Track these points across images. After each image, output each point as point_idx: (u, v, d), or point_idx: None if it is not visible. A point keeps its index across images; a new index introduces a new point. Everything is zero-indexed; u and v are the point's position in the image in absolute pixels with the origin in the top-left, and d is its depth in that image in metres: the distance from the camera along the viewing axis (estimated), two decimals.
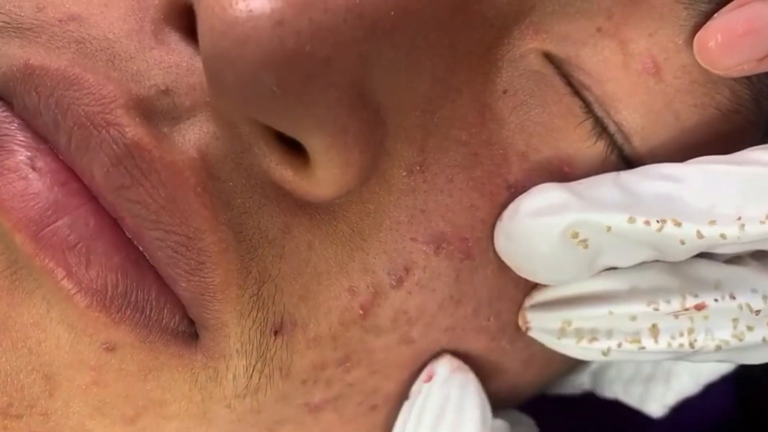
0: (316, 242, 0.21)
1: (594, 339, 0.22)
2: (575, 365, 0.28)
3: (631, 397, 0.28)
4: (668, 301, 0.21)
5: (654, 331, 0.21)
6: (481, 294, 0.22)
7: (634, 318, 0.22)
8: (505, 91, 0.22)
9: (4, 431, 0.20)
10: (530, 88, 0.22)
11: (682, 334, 0.21)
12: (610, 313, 0.22)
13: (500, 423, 0.24)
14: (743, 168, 0.20)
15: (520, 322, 0.23)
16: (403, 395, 0.23)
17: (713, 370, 0.26)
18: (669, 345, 0.21)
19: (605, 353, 0.22)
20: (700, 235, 0.20)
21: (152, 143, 0.19)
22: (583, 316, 0.22)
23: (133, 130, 0.19)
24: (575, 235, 0.21)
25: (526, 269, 0.22)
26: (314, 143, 0.18)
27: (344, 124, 0.18)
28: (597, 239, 0.21)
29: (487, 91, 0.21)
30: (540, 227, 0.21)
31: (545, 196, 0.21)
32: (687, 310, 0.21)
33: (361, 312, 0.21)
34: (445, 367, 0.23)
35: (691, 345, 0.21)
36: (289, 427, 0.23)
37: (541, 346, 0.24)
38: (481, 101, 0.21)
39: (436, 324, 0.22)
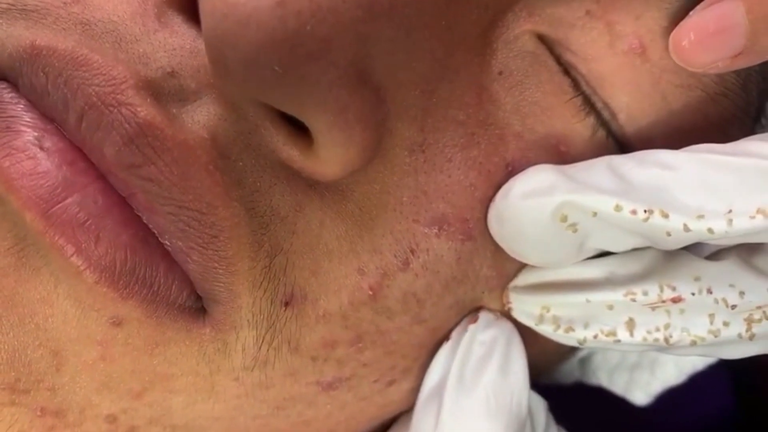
0: (327, 220, 0.21)
1: (570, 329, 0.22)
2: (572, 350, 0.28)
3: (616, 385, 0.29)
4: (646, 293, 0.22)
5: (630, 324, 0.22)
6: (480, 272, 0.23)
7: (611, 307, 0.22)
8: (500, 73, 0.22)
9: (12, 406, 0.20)
10: (525, 69, 0.22)
11: (658, 329, 0.22)
12: (588, 301, 0.22)
13: None
14: (739, 160, 0.20)
15: (504, 301, 0.24)
16: (423, 366, 0.24)
17: (700, 359, 0.27)
18: (644, 339, 0.22)
19: (581, 342, 0.22)
20: (686, 229, 0.20)
21: (164, 122, 0.19)
22: (561, 303, 0.23)
23: (145, 110, 0.19)
24: (564, 219, 0.21)
25: (517, 251, 0.23)
26: (316, 122, 0.19)
27: (345, 103, 0.19)
28: (585, 224, 0.21)
29: (484, 73, 0.22)
30: (529, 209, 0.21)
31: (537, 177, 0.22)
32: (664, 302, 0.22)
33: (370, 293, 0.22)
34: (488, 314, 0.24)
35: (666, 340, 0.22)
36: (300, 407, 0.23)
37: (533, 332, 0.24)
38: (477, 82, 0.22)
39: (442, 303, 0.23)
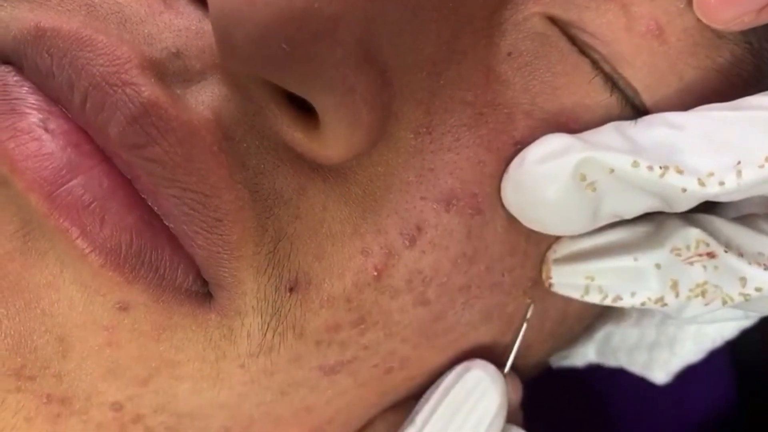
0: (330, 203, 0.21)
1: (618, 298, 0.22)
2: (587, 326, 0.28)
3: (635, 365, 0.28)
4: (688, 247, 0.22)
5: (675, 287, 0.22)
6: (493, 250, 0.23)
7: (658, 266, 0.22)
8: (509, 54, 0.22)
9: (18, 393, 0.20)
10: (534, 50, 0.22)
11: (698, 286, 0.22)
12: (636, 260, 0.22)
13: None
14: (742, 113, 0.21)
15: (544, 276, 0.23)
16: (421, 361, 0.23)
17: (718, 334, 0.27)
18: (688, 298, 0.22)
19: (625, 321, 0.22)
20: (701, 183, 0.20)
21: (168, 102, 0.19)
22: (606, 269, 0.23)
23: (149, 89, 0.19)
24: (583, 178, 0.21)
25: (533, 219, 0.22)
26: (322, 102, 0.19)
27: (351, 83, 0.18)
28: (603, 182, 0.21)
29: (492, 54, 0.22)
30: (547, 172, 0.21)
31: (551, 143, 0.21)
32: (701, 256, 0.22)
33: (375, 273, 0.22)
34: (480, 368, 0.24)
35: (704, 294, 0.22)
36: (303, 392, 0.23)
37: (557, 298, 0.24)
38: (485, 63, 0.22)
39: (450, 283, 0.22)
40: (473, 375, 0.23)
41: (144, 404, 0.21)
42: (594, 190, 0.21)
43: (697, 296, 0.22)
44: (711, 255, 0.22)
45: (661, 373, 0.28)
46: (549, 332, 0.26)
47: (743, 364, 0.35)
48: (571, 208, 0.21)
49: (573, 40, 0.22)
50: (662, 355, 0.28)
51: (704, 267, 0.22)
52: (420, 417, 0.23)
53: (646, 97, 0.23)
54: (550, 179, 0.21)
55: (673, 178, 0.20)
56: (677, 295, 0.22)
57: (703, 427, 0.33)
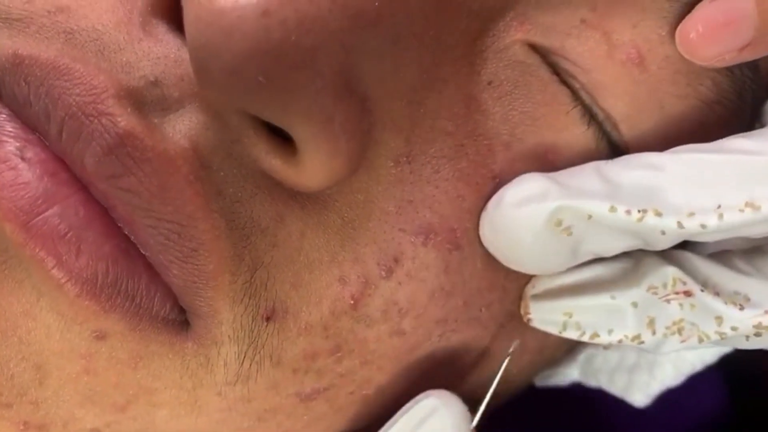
0: (308, 231, 0.21)
1: (595, 335, 0.22)
2: (567, 352, 0.28)
3: (616, 386, 0.28)
4: (665, 285, 0.22)
5: (651, 324, 0.22)
6: (471, 284, 0.23)
7: (635, 305, 0.22)
8: (490, 83, 0.22)
9: None
10: (515, 79, 0.22)
11: (674, 323, 0.22)
12: (613, 298, 0.22)
13: None
14: (722, 156, 0.21)
15: (522, 312, 0.23)
16: (396, 388, 0.23)
17: (698, 359, 0.27)
18: (664, 335, 0.22)
19: (606, 347, 0.22)
20: (680, 226, 0.20)
21: (144, 132, 0.19)
22: (584, 306, 0.23)
23: (124, 119, 0.19)
24: (558, 223, 0.21)
25: (511, 259, 0.22)
26: (300, 132, 0.18)
27: (330, 113, 0.18)
28: (580, 227, 0.21)
29: (473, 83, 0.22)
30: (524, 216, 0.21)
31: (528, 186, 0.21)
32: (677, 294, 0.22)
33: (351, 302, 0.22)
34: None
35: (680, 332, 0.22)
36: (279, 417, 0.23)
37: (534, 333, 0.24)
38: (466, 92, 0.22)
39: (427, 315, 0.22)
40: (428, 402, 0.23)
41: (122, 430, 0.21)
42: (570, 234, 0.21)
43: (673, 333, 0.22)
44: (688, 293, 0.22)
45: (640, 396, 0.28)
46: (528, 362, 0.26)
47: (740, 369, 0.35)
48: (547, 250, 0.22)
49: (554, 68, 0.22)
50: (642, 378, 0.28)
51: (681, 305, 0.22)
52: None
53: (626, 128, 0.23)
54: (526, 224, 0.21)
55: (652, 221, 0.20)
56: (654, 333, 0.22)
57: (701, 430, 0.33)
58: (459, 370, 0.24)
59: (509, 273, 0.23)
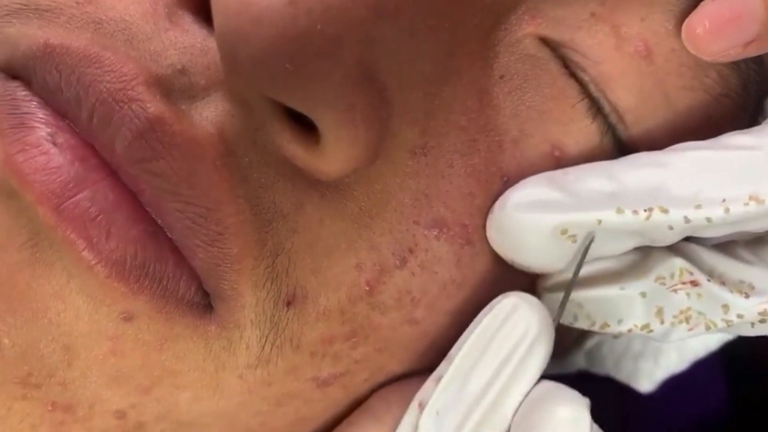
0: (326, 219, 0.21)
1: (606, 325, 0.23)
2: (573, 342, 0.29)
3: (622, 374, 0.29)
4: (672, 276, 0.23)
5: (659, 314, 0.23)
6: (481, 279, 0.23)
7: (644, 294, 0.23)
8: (501, 76, 0.23)
9: (24, 400, 0.21)
10: (525, 73, 0.23)
11: (682, 312, 0.23)
12: (622, 288, 0.23)
13: None
14: (724, 153, 0.21)
15: None
16: (407, 375, 0.24)
17: (702, 346, 0.28)
18: (672, 324, 0.23)
19: (615, 336, 0.23)
20: (687, 220, 0.21)
21: (173, 118, 0.19)
22: (594, 298, 0.23)
23: (154, 106, 0.19)
24: (564, 232, 0.22)
25: (517, 260, 0.23)
26: (324, 119, 0.19)
27: (352, 101, 0.19)
28: (586, 233, 0.22)
29: (485, 76, 0.22)
30: (528, 222, 0.22)
31: (533, 191, 0.22)
32: (684, 284, 0.23)
33: (367, 288, 0.22)
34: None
35: (690, 329, 0.23)
36: (297, 403, 0.23)
37: None
38: (479, 86, 0.22)
39: (438, 306, 0.23)
40: (508, 301, 0.22)
41: (146, 412, 0.22)
42: (575, 242, 0.22)
43: (681, 322, 0.23)
44: (694, 283, 0.22)
45: (646, 382, 0.28)
46: None
47: (738, 361, 0.36)
48: (553, 255, 0.22)
49: (563, 61, 0.23)
50: (647, 366, 0.28)
51: (688, 294, 0.23)
52: (455, 350, 0.23)
53: (632, 119, 0.23)
54: (531, 230, 0.22)
55: (659, 218, 0.21)
56: (662, 322, 0.23)
57: (702, 425, 0.34)
58: None
59: (518, 269, 0.24)
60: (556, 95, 0.23)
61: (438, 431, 0.22)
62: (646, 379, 0.28)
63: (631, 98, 0.23)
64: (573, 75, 0.23)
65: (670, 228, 0.21)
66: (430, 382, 0.23)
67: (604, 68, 0.23)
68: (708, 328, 0.22)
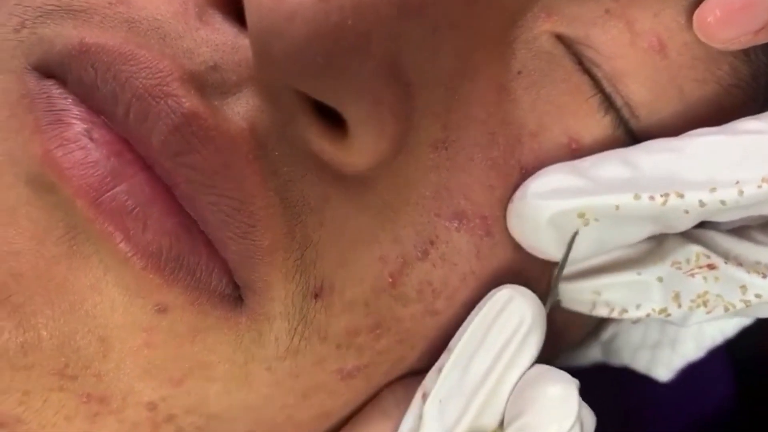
0: (351, 212, 0.22)
1: (624, 311, 0.24)
2: (589, 332, 0.29)
3: (639, 363, 0.29)
4: (688, 261, 0.23)
5: (677, 298, 0.23)
6: (500, 270, 0.24)
7: (660, 279, 0.23)
8: (519, 72, 0.23)
9: (60, 392, 0.21)
10: (542, 69, 0.23)
11: (699, 296, 0.23)
12: (639, 274, 0.23)
13: None
14: (736, 137, 0.22)
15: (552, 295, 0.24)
16: (426, 367, 0.24)
17: (718, 332, 0.28)
18: (690, 308, 0.23)
19: (634, 321, 0.23)
20: (702, 204, 0.22)
21: (207, 113, 0.20)
22: (611, 284, 0.24)
23: (189, 101, 0.20)
24: (581, 215, 0.22)
25: (537, 247, 0.23)
26: (352, 112, 0.20)
27: (380, 95, 0.20)
28: (604, 219, 0.22)
29: (504, 72, 0.23)
30: (548, 209, 0.22)
31: (553, 178, 0.23)
32: (701, 268, 0.23)
33: (390, 280, 0.23)
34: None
35: (708, 312, 0.23)
36: (322, 396, 0.24)
37: (561, 314, 0.25)
38: (498, 81, 0.23)
39: (458, 297, 0.23)
40: (502, 294, 0.23)
41: (177, 404, 0.22)
42: (594, 227, 0.22)
43: (699, 306, 0.23)
44: (711, 266, 0.23)
45: (664, 371, 0.29)
46: (553, 341, 0.27)
47: (741, 358, 0.36)
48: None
49: (578, 58, 0.24)
50: (665, 354, 0.29)
51: (705, 278, 0.23)
52: (454, 342, 0.23)
53: (645, 113, 0.24)
54: (551, 216, 0.22)
55: (675, 202, 0.22)
56: (680, 306, 0.23)
57: (706, 422, 0.34)
58: None
59: (536, 259, 0.24)
60: (572, 90, 0.24)
61: (441, 418, 0.22)
62: (664, 368, 0.28)
63: (645, 92, 0.24)
64: (587, 71, 0.24)
65: (686, 212, 0.22)
66: (432, 372, 0.23)
67: (617, 64, 0.23)
68: (726, 310, 0.23)
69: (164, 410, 0.22)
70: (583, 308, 0.24)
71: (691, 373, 0.29)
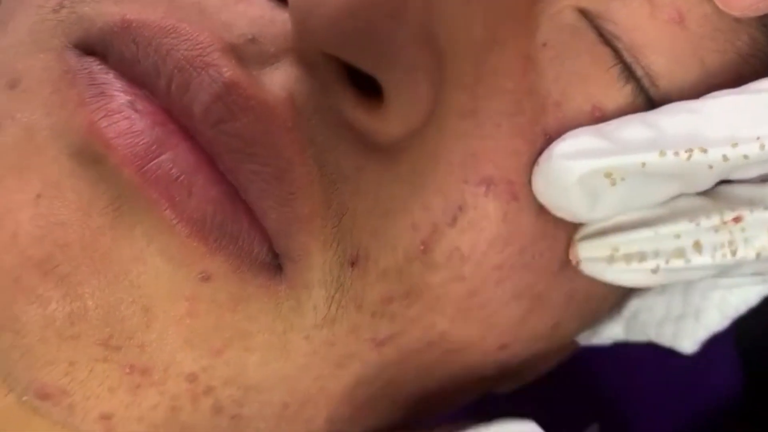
0: (384, 182, 0.22)
1: (642, 259, 0.24)
2: (612, 305, 0.30)
3: (664, 337, 0.30)
4: (708, 217, 0.24)
5: (697, 246, 0.24)
6: (525, 233, 0.24)
7: (678, 236, 0.24)
8: (544, 44, 0.24)
9: (105, 363, 0.21)
10: (565, 41, 0.24)
11: (723, 246, 0.24)
12: (656, 233, 0.24)
13: None
14: (755, 96, 0.23)
15: (571, 257, 0.25)
16: (455, 335, 0.25)
17: (741, 301, 0.28)
18: (712, 257, 0.24)
19: (655, 271, 0.24)
20: (725, 158, 0.22)
21: (247, 82, 0.21)
22: (629, 240, 0.24)
23: (230, 70, 0.20)
24: (608, 175, 0.23)
25: (563, 208, 0.24)
26: (388, 78, 0.20)
27: (415, 61, 0.20)
28: (631, 177, 0.23)
29: (529, 44, 0.24)
30: (574, 168, 0.23)
31: (578, 140, 0.23)
32: (725, 223, 0.24)
33: (422, 247, 0.23)
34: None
35: (733, 253, 0.23)
36: (355, 365, 0.24)
37: (583, 281, 0.26)
38: (524, 53, 0.24)
39: (485, 262, 0.24)
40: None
41: (216, 375, 0.22)
42: (618, 186, 0.23)
43: (724, 256, 0.24)
44: (737, 219, 0.24)
45: (688, 342, 0.29)
46: (576, 312, 0.28)
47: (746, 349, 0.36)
48: (597, 201, 0.23)
49: (599, 31, 0.24)
50: (689, 326, 0.29)
51: (731, 231, 0.24)
52: None
53: (666, 82, 0.24)
54: (576, 176, 0.23)
55: (699, 158, 0.22)
56: (701, 254, 0.24)
57: (715, 407, 0.34)
58: (512, 315, 0.25)
59: (558, 223, 0.25)
60: (594, 61, 0.24)
61: None
62: (689, 339, 0.29)
63: (665, 62, 0.24)
64: (608, 43, 0.24)
65: (710, 167, 0.22)
66: None
67: (636, 36, 0.24)
68: (758, 255, 0.23)
69: (204, 381, 0.22)
70: (601, 265, 0.25)
71: (701, 361, 0.29)
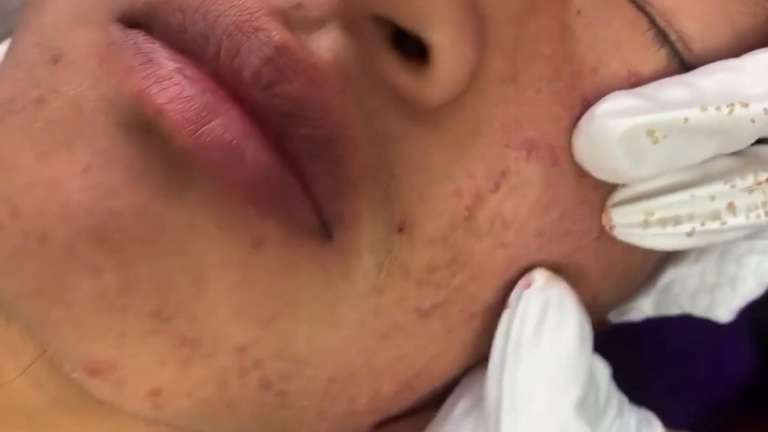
0: (428, 147, 0.22)
1: (677, 222, 0.24)
2: (645, 276, 0.30)
3: (699, 308, 0.30)
4: (743, 177, 0.24)
5: (731, 207, 0.24)
6: (565, 199, 0.24)
7: (713, 197, 0.24)
8: (579, 12, 0.24)
9: (155, 335, 0.21)
10: (599, 8, 0.24)
11: (757, 207, 0.24)
12: (691, 196, 0.24)
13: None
14: None
15: (604, 222, 0.25)
16: (497, 305, 0.25)
17: None
18: (747, 217, 0.24)
19: (690, 234, 0.24)
20: (767, 111, 0.22)
21: (296, 45, 0.21)
22: (664, 204, 0.24)
23: (279, 34, 0.20)
24: (650, 133, 0.23)
25: (606, 168, 0.24)
26: (437, 38, 0.20)
27: (463, 20, 0.20)
28: (673, 135, 0.23)
29: (565, 11, 0.24)
30: (616, 126, 0.23)
31: (617, 102, 0.23)
32: (759, 184, 0.24)
33: (466, 214, 0.23)
34: (542, 275, 0.25)
35: (767, 214, 0.24)
36: (400, 338, 0.24)
37: (620, 250, 0.26)
38: (560, 20, 0.24)
39: (527, 228, 0.24)
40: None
41: (264, 348, 0.22)
42: (662, 143, 0.23)
43: (758, 217, 0.24)
44: None
45: (724, 311, 0.29)
46: (614, 282, 0.28)
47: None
48: (639, 159, 0.23)
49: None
50: (725, 295, 0.29)
51: (765, 192, 0.24)
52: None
53: (699, 46, 0.25)
54: (621, 133, 0.23)
55: (741, 112, 0.22)
56: (735, 215, 0.24)
57: (740, 387, 0.34)
58: None
59: (597, 189, 0.25)
60: (628, 26, 0.25)
61: None
62: (725, 308, 0.29)
63: (697, 26, 0.25)
64: (640, 8, 0.25)
65: (752, 121, 0.23)
66: None
67: (668, 1, 0.25)
68: None
69: (253, 354, 0.22)
70: (636, 230, 0.25)
71: (723, 342, 0.29)
